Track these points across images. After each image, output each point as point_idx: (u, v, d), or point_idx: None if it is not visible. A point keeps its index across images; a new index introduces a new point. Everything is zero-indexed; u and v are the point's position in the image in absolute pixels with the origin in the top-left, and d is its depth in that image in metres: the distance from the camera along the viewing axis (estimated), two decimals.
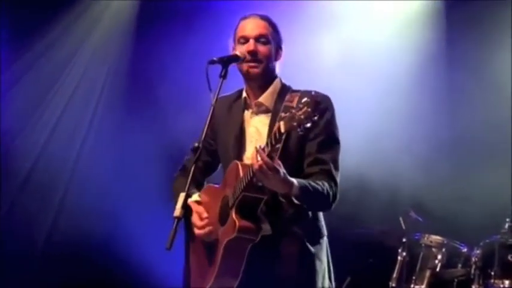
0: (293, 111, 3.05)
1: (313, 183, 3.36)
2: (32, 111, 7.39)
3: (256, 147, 3.22)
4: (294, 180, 3.27)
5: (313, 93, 3.10)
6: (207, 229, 3.52)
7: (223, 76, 3.45)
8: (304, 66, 6.29)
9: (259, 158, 3.14)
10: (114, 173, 7.24)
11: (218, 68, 3.47)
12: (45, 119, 7.40)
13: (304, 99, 3.04)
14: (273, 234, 3.39)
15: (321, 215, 3.61)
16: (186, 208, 3.34)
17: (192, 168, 3.32)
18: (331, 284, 3.61)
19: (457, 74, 6.89)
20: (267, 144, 3.20)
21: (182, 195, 3.31)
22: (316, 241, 3.54)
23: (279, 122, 3.14)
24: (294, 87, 3.65)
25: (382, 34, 7.06)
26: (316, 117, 3.02)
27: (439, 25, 7.05)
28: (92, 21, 7.47)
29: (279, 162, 3.20)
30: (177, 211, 3.24)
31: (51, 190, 7.34)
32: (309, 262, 3.50)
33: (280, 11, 6.17)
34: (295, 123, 3.03)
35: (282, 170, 3.20)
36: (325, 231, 3.61)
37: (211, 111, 3.41)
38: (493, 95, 6.77)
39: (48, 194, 7.33)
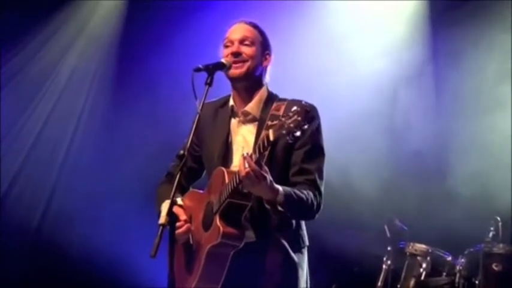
0: (282, 119, 3.07)
1: (298, 192, 3.37)
2: (20, 111, 7.38)
3: (243, 154, 3.23)
4: (280, 188, 3.28)
5: (303, 102, 3.12)
6: (184, 227, 3.51)
7: (209, 84, 3.44)
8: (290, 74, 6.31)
9: (246, 165, 3.15)
10: (101, 172, 7.23)
11: (204, 75, 3.47)
12: (34, 118, 7.39)
13: (294, 108, 3.06)
14: (258, 242, 3.41)
15: (303, 224, 3.62)
16: (171, 215, 3.31)
17: (178, 176, 3.30)
18: None
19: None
20: (254, 151, 3.21)
21: (167, 203, 3.30)
22: (299, 250, 3.56)
23: (267, 129, 3.16)
24: (281, 95, 3.66)
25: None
26: (305, 126, 3.04)
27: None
28: (80, 22, 7.48)
29: (266, 169, 3.22)
30: (162, 218, 3.21)
31: (38, 191, 7.35)
32: (292, 271, 3.51)
33: (266, 11, 6.24)
34: (284, 132, 3.04)
35: (269, 177, 3.21)
36: (307, 241, 3.63)
37: (196, 118, 3.40)
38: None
39: (35, 194, 7.32)
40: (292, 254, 3.51)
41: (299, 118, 3.02)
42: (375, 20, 7.12)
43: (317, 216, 3.49)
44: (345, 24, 7.07)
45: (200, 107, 3.39)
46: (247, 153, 3.21)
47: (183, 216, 3.54)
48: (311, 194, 3.42)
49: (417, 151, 6.91)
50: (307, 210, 3.42)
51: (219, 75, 3.55)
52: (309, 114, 3.07)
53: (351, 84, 6.88)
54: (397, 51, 7.01)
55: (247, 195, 3.33)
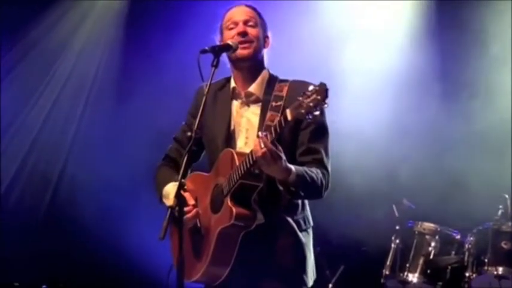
0: (300, 98, 3.04)
1: (308, 171, 3.37)
2: (23, 104, 7.40)
3: (258, 134, 3.21)
4: (292, 167, 3.27)
5: (307, 81, 3.11)
6: (193, 212, 3.48)
7: (215, 65, 3.43)
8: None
9: (262, 145, 3.13)
10: (105, 164, 7.23)
11: (209, 57, 3.45)
12: (36, 111, 7.40)
13: (312, 87, 3.03)
14: (266, 223, 3.40)
15: (307, 204, 3.64)
16: (179, 197, 3.31)
17: (185, 158, 3.30)
18: (314, 276, 3.64)
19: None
20: (270, 131, 3.19)
21: (173, 185, 3.29)
22: (305, 230, 3.58)
23: (273, 110, 3.18)
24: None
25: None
26: (325, 105, 3.02)
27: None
28: (81, 14, 7.47)
29: (281, 148, 3.20)
30: (171, 201, 3.22)
31: (43, 183, 7.37)
32: (301, 252, 3.53)
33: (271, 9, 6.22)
34: (303, 111, 3.03)
35: (284, 157, 3.20)
36: (311, 221, 3.64)
37: (204, 100, 3.39)
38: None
39: (41, 186, 7.33)
40: (300, 235, 3.52)
41: (319, 97, 3.00)
42: (377, 20, 7.08)
43: (325, 194, 3.49)
44: (347, 24, 7.05)
45: (207, 89, 3.39)
46: (262, 133, 3.19)
47: (191, 201, 3.52)
48: (320, 172, 3.42)
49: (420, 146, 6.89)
50: (317, 189, 3.41)
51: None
52: (327, 93, 3.02)
53: (354, 86, 6.87)
54: (402, 51, 6.97)
55: (258, 176, 3.33)
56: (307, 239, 3.58)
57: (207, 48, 3.44)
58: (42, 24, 7.32)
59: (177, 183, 3.24)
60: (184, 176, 3.67)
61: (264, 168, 3.21)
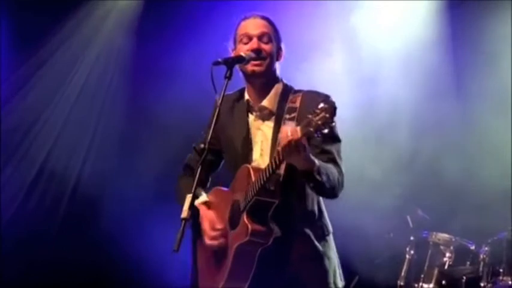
0: (310, 116, 3.04)
1: (328, 166, 3.39)
2: (39, 113, 7.42)
3: (283, 124, 3.26)
4: (315, 158, 3.28)
5: (321, 94, 3.13)
6: (219, 241, 3.52)
7: (228, 77, 3.44)
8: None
9: (289, 133, 3.12)
10: (119, 173, 7.26)
11: (223, 69, 3.46)
12: (52, 120, 7.44)
13: (322, 105, 3.02)
14: (283, 235, 3.40)
15: (325, 212, 3.64)
16: (193, 209, 3.32)
17: (199, 170, 3.31)
18: (342, 282, 3.62)
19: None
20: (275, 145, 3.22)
21: (189, 197, 3.31)
22: (323, 239, 3.57)
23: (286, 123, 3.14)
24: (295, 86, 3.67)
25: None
26: (333, 123, 3.03)
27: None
28: (97, 22, 7.49)
29: (305, 139, 3.18)
30: (184, 212, 3.22)
31: (57, 197, 7.41)
32: (319, 262, 3.52)
33: (286, 10, 6.23)
34: (312, 129, 3.03)
35: (308, 147, 3.19)
36: (331, 228, 3.64)
37: (216, 112, 3.40)
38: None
39: (53, 200, 7.39)
40: (317, 244, 3.52)
41: (327, 115, 3.00)
42: (393, 18, 7.07)
43: (340, 194, 3.49)
44: (365, 22, 7.03)
45: (220, 101, 3.39)
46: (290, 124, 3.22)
47: (217, 225, 3.55)
48: (335, 170, 3.44)
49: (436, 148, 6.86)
50: (335, 185, 3.41)
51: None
52: (336, 111, 3.02)
53: (370, 85, 6.87)
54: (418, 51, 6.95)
55: (274, 192, 3.34)
56: (326, 248, 3.57)
57: (220, 60, 3.45)
58: (58, 33, 7.37)
59: (194, 194, 3.26)
60: (203, 186, 3.71)
61: (289, 157, 3.19)
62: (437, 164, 6.73)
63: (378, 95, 6.87)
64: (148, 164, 7.15)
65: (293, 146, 3.12)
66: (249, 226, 3.32)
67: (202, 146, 3.36)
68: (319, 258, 3.53)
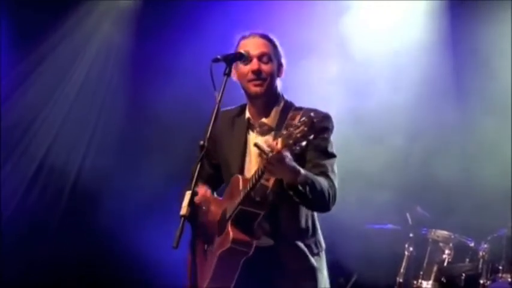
0: (291, 129, 3.08)
1: (317, 178, 3.39)
2: (38, 109, 7.43)
3: (256, 143, 3.24)
4: (301, 168, 3.29)
5: (312, 113, 3.11)
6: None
7: (228, 74, 3.45)
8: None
9: (270, 144, 3.15)
10: (119, 170, 7.26)
11: (222, 66, 3.46)
12: (52, 117, 7.44)
13: (303, 119, 3.07)
14: (276, 248, 3.46)
15: (319, 228, 3.67)
16: (193, 207, 3.32)
17: (198, 167, 3.30)
18: None
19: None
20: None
21: (188, 193, 3.31)
22: (317, 254, 3.61)
23: (277, 138, 3.16)
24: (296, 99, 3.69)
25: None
26: (311, 137, 3.05)
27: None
28: (97, 19, 7.49)
29: (286, 150, 3.18)
30: (183, 209, 3.23)
31: (57, 193, 7.41)
32: (311, 276, 3.57)
33: (286, 11, 6.21)
34: (291, 141, 3.07)
35: (290, 156, 3.21)
36: (324, 245, 3.68)
37: (215, 109, 3.40)
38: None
39: (53, 197, 7.39)
40: (312, 259, 3.56)
41: (305, 129, 3.04)
42: (391, 20, 7.05)
43: (332, 208, 3.50)
44: (360, 24, 7.01)
45: (219, 98, 3.39)
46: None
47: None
48: (326, 183, 3.44)
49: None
50: (324, 198, 3.42)
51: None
52: (316, 124, 3.05)
53: (368, 86, 6.87)
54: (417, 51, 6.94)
55: (260, 203, 3.38)
56: (319, 263, 3.62)
57: (219, 56, 3.46)
58: (58, 30, 7.37)
59: (193, 191, 3.27)
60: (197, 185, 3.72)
61: (272, 170, 3.21)
62: (437, 164, 6.73)
63: (378, 95, 6.86)
64: (148, 160, 7.15)
65: (274, 157, 3.13)
66: (231, 234, 3.38)
67: (201, 143, 3.35)
68: (312, 272, 3.57)
